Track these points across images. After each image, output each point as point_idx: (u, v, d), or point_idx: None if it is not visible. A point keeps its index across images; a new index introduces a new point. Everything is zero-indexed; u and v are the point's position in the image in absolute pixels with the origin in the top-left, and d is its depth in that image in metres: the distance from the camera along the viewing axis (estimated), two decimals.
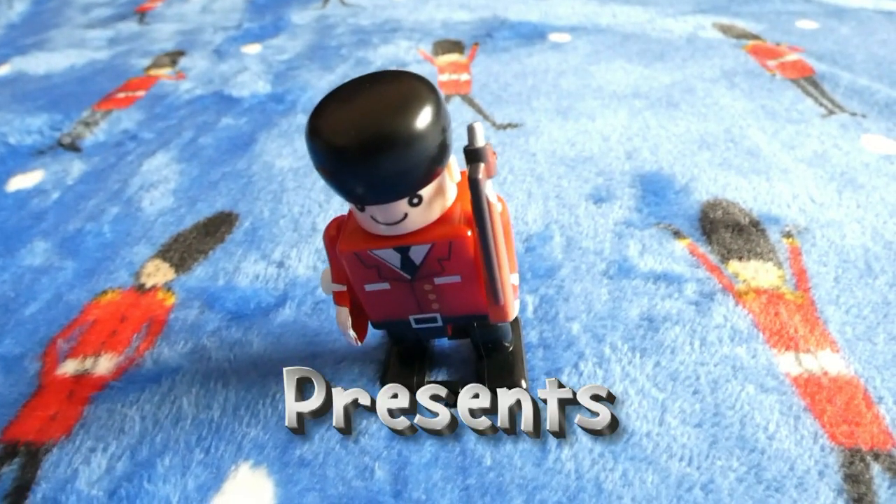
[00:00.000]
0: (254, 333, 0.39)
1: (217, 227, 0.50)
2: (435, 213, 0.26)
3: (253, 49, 0.89)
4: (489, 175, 0.24)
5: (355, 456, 0.31)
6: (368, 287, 0.29)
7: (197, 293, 0.43)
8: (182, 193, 0.55)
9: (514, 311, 0.29)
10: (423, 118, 0.23)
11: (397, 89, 0.24)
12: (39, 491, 0.31)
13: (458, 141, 0.25)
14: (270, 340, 0.39)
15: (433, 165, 0.24)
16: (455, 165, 0.27)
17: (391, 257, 0.27)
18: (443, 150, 0.24)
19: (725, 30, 0.80)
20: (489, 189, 0.24)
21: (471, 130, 0.24)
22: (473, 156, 0.24)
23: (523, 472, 0.30)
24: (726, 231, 0.44)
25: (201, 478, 0.31)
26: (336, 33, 0.91)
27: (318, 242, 0.47)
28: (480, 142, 0.24)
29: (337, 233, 0.28)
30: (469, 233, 0.26)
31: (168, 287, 0.44)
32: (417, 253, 0.27)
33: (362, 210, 0.26)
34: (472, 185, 0.23)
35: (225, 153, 0.61)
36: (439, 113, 0.24)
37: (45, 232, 0.52)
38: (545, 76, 0.71)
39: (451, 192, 0.27)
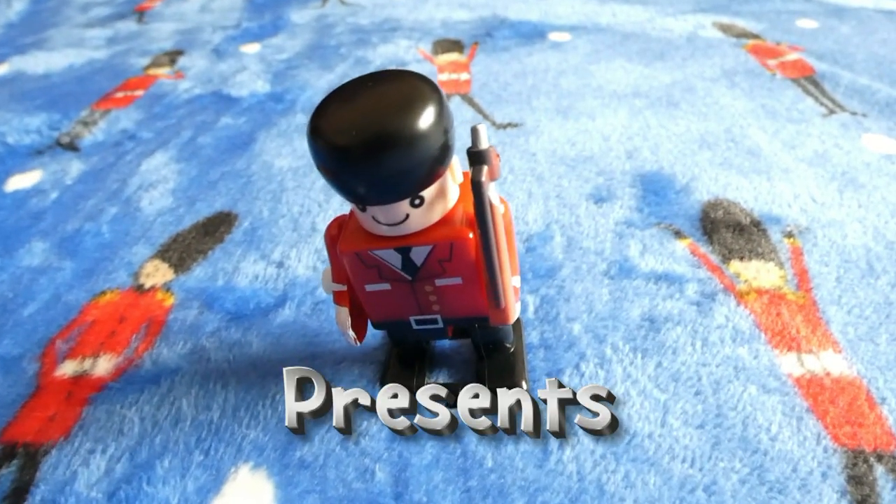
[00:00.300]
0: (253, 334, 0.39)
1: (216, 227, 0.50)
2: (437, 215, 0.26)
3: (252, 48, 0.88)
4: (492, 178, 0.24)
5: (356, 458, 0.31)
6: (369, 287, 0.29)
7: (196, 293, 0.43)
8: (181, 193, 0.55)
9: (514, 314, 0.29)
10: (426, 118, 0.23)
11: (400, 89, 0.24)
12: (38, 493, 0.31)
13: (459, 140, 0.25)
14: (270, 341, 0.38)
15: (435, 166, 0.24)
16: (457, 166, 0.27)
17: (392, 258, 0.27)
18: (445, 151, 0.24)
19: (725, 29, 0.80)
20: (492, 191, 0.24)
21: (475, 132, 0.24)
22: (477, 158, 0.24)
23: (525, 473, 0.30)
24: (727, 231, 0.44)
25: (201, 480, 0.31)
26: (335, 32, 0.91)
27: (318, 242, 0.46)
28: (484, 144, 0.24)
29: (338, 232, 0.28)
30: (471, 234, 0.26)
31: (167, 287, 0.44)
32: (418, 254, 0.26)
33: (364, 210, 0.26)
34: (475, 188, 0.23)
35: (224, 153, 0.61)
36: (442, 113, 0.23)
37: (43, 232, 0.52)
38: (545, 75, 0.71)
39: (453, 194, 0.27)
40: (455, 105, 0.65)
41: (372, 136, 0.22)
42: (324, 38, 0.90)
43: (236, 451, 0.32)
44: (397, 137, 0.22)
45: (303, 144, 0.60)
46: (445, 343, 0.37)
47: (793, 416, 0.31)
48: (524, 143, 0.57)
